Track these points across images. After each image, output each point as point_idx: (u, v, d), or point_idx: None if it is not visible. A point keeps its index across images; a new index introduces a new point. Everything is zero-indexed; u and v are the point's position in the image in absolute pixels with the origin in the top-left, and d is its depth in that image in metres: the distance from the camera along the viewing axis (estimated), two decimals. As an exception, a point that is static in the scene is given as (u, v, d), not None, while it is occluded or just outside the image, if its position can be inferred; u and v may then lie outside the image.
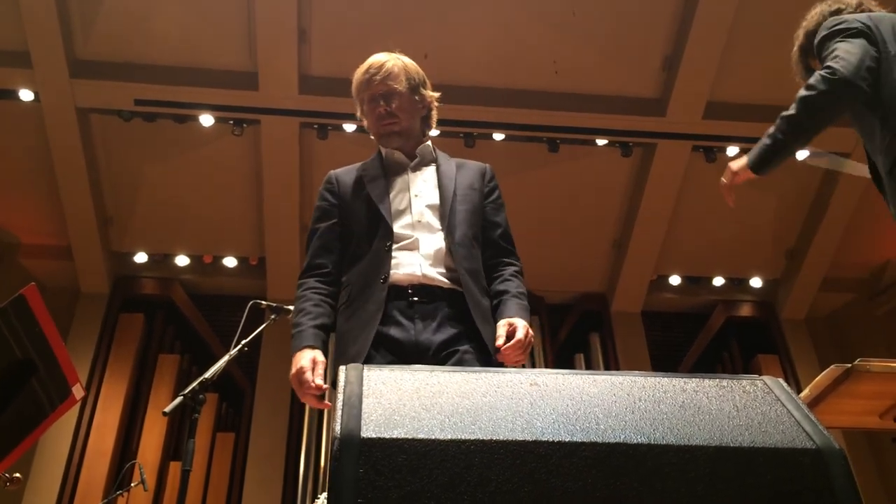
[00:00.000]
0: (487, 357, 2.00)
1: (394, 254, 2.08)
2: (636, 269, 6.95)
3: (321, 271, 2.18)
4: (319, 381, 1.92)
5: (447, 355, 1.95)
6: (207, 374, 2.70)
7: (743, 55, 5.73)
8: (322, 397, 1.96)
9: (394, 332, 1.97)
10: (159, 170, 6.28)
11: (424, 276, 2.05)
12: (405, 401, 1.14)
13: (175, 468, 5.92)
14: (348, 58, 5.81)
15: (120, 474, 5.29)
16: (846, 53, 2.31)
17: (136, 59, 5.67)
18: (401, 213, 2.17)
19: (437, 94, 2.41)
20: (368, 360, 1.91)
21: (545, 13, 5.63)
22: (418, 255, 2.09)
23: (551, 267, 6.67)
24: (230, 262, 6.87)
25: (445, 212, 2.17)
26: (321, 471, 5.96)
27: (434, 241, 2.13)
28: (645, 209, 6.55)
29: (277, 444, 6.16)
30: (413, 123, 2.33)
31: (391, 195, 2.21)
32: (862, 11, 2.54)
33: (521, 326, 2.00)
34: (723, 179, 2.61)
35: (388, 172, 2.28)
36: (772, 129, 2.41)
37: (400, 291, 2.03)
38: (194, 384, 2.65)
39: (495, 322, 2.09)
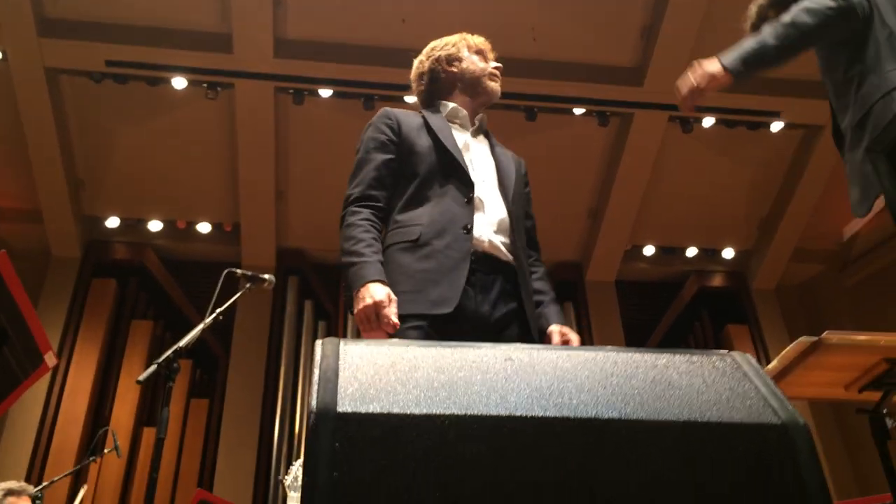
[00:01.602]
0: (530, 337, 2.04)
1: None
2: (611, 238, 7.00)
3: (376, 205, 2.10)
4: (396, 318, 1.85)
5: (504, 336, 1.98)
6: (182, 343, 2.69)
7: (720, 25, 5.72)
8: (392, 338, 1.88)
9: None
10: (131, 133, 6.18)
11: (490, 243, 2.06)
12: (381, 375, 1.14)
13: (148, 434, 5.92)
14: (325, 22, 5.78)
15: (93, 441, 5.29)
16: None
17: (107, 18, 5.54)
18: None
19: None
20: (427, 317, 1.90)
21: (524, -20, 5.58)
22: (485, 217, 2.09)
23: (527, 236, 6.70)
24: (204, 227, 6.81)
25: (508, 185, 2.20)
26: (296, 438, 6.00)
27: (497, 207, 2.14)
28: (621, 179, 6.58)
29: (252, 411, 6.18)
30: None
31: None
32: None
33: (575, 340, 2.09)
34: (691, 81, 2.31)
35: (453, 127, 2.28)
36: (764, 36, 2.26)
37: None
38: (168, 352, 2.64)
39: (539, 317, 2.15)
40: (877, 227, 6.82)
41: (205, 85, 5.84)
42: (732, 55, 2.27)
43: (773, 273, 7.25)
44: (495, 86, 2.38)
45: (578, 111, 6.27)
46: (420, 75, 2.41)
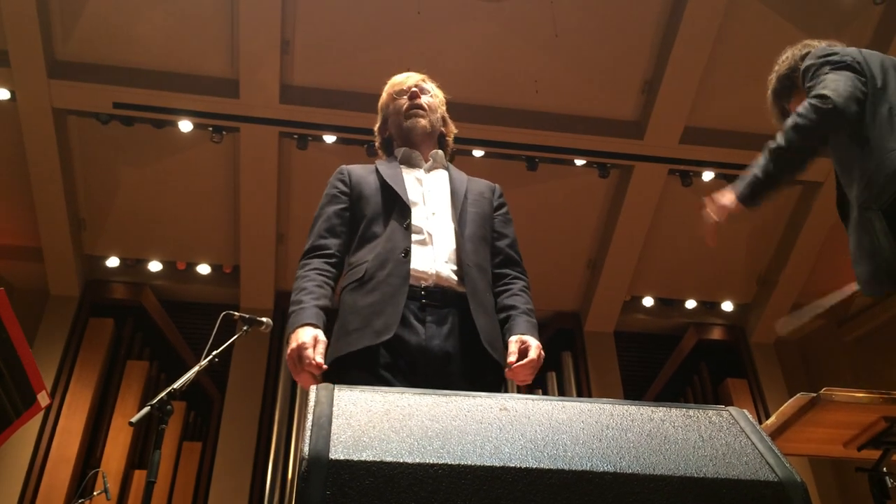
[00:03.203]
0: (484, 365, 1.99)
1: (412, 237, 2.09)
2: (610, 289, 7.00)
3: (325, 252, 2.16)
4: (320, 358, 1.87)
5: (450, 370, 1.94)
6: (176, 385, 2.67)
7: (720, 82, 5.82)
8: (318, 378, 1.90)
9: (403, 333, 1.94)
10: (135, 174, 6.23)
11: (438, 274, 2.04)
12: (375, 422, 1.14)
13: (139, 477, 5.84)
14: (330, 69, 5.89)
15: (83, 482, 5.20)
16: (835, 83, 2.31)
17: (116, 61, 5.63)
18: (414, 204, 2.18)
19: (455, 130, 2.53)
20: (374, 355, 1.89)
21: (529, 33, 5.68)
22: (432, 249, 2.09)
23: (526, 284, 6.70)
24: (204, 269, 6.81)
25: (457, 210, 2.20)
26: (288, 484, 5.91)
27: (446, 237, 2.14)
28: (620, 230, 6.61)
29: (245, 456, 6.09)
30: (434, 127, 2.42)
31: (406, 186, 2.23)
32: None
33: (534, 347, 2.00)
34: (711, 214, 2.48)
35: (404, 168, 2.31)
36: (760, 161, 2.37)
37: (413, 291, 2.00)
38: (162, 394, 2.62)
39: (501, 327, 2.11)
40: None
41: (210, 128, 5.91)
42: (742, 185, 2.42)
43: (772, 327, 7.22)
44: (411, 122, 2.39)
45: (579, 162, 6.33)
46: (376, 132, 2.52)
